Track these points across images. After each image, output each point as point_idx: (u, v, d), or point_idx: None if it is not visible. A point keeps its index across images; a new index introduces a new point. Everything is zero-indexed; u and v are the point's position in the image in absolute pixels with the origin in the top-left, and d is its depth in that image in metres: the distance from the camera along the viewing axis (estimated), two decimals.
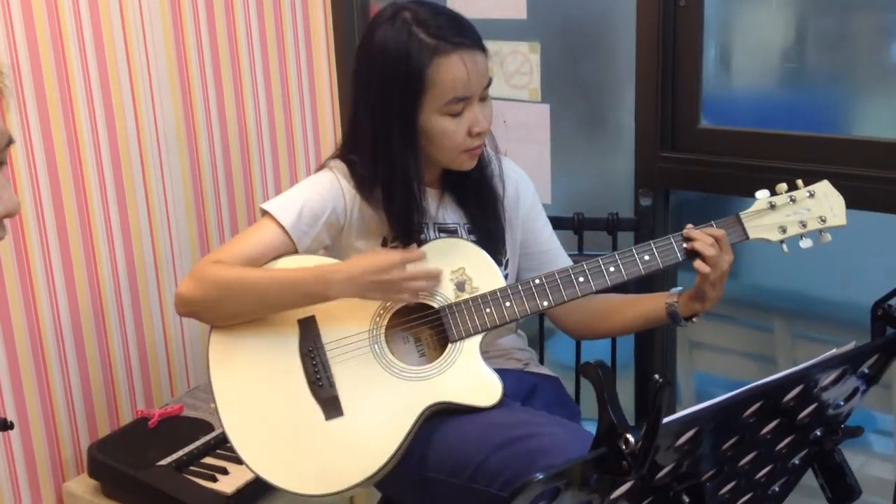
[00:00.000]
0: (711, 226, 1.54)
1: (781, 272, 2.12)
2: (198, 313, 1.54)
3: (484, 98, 1.54)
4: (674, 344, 2.21)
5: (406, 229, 1.57)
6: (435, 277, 1.52)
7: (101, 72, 1.99)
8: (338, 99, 2.48)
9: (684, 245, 1.52)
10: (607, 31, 2.15)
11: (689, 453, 0.95)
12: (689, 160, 2.00)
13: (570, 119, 2.24)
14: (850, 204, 1.53)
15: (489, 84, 1.54)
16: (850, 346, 1.01)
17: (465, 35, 1.50)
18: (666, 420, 0.86)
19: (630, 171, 2.07)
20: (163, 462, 1.84)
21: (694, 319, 1.59)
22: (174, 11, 2.12)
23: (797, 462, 1.11)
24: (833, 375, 1.00)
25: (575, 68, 2.20)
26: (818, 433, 1.08)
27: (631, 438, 0.84)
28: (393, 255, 1.48)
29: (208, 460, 1.88)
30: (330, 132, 2.50)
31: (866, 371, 1.05)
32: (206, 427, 1.95)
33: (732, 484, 1.06)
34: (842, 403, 1.07)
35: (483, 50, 1.52)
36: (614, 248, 1.93)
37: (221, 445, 1.90)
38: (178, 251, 2.18)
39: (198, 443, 1.90)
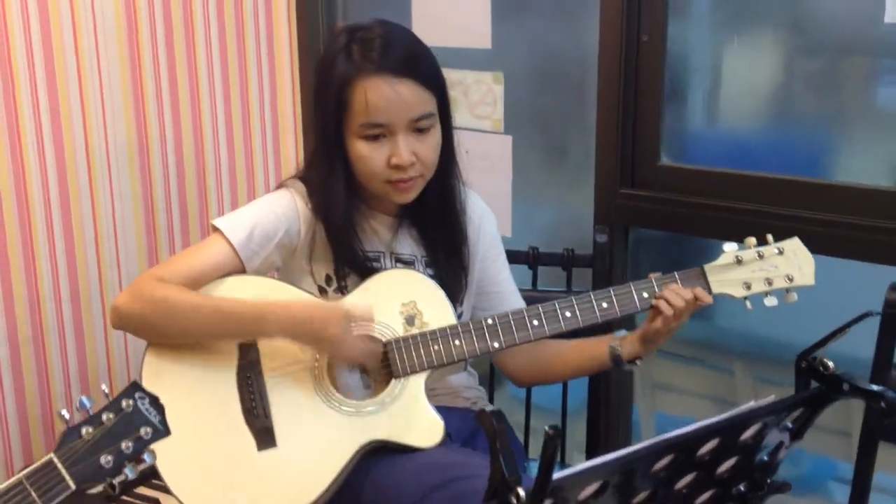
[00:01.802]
0: (675, 277, 1.49)
1: (743, 315, 2.08)
2: (132, 330, 1.50)
3: (420, 130, 1.48)
4: (630, 384, 2.17)
5: (349, 258, 1.53)
6: (375, 355, 1.47)
7: (49, 81, 1.97)
8: (300, 115, 2.46)
9: (652, 302, 1.47)
10: (572, 63, 2.13)
11: None
12: (648, 197, 1.96)
13: (533, 151, 2.21)
14: (815, 249, 1.51)
15: (424, 118, 1.47)
16: (771, 398, 0.96)
17: (397, 62, 1.45)
18: (563, 473, 0.82)
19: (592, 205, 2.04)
20: (94, 490, 1.78)
21: (637, 362, 1.55)
22: (129, 18, 2.09)
23: None
24: (753, 429, 0.96)
25: (539, 100, 2.18)
26: (742, 488, 1.04)
27: (522, 492, 0.80)
28: (338, 310, 1.43)
29: (142, 490, 1.83)
30: (291, 148, 2.47)
31: (790, 425, 1.00)
32: None
33: None
34: (766, 458, 1.03)
35: (418, 81, 1.46)
36: (568, 284, 1.89)
37: (157, 474, 1.84)
38: (125, 270, 2.14)
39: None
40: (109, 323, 1.51)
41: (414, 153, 1.48)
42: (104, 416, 1.09)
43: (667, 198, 1.95)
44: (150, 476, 1.86)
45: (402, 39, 1.50)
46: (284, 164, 2.46)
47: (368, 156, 1.47)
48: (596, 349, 1.58)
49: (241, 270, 1.51)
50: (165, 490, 1.80)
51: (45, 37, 1.95)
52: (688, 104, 2.07)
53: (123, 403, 1.11)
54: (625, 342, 1.54)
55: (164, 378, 1.47)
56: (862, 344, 1.56)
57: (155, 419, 1.11)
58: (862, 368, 1.57)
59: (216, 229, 1.51)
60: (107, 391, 1.13)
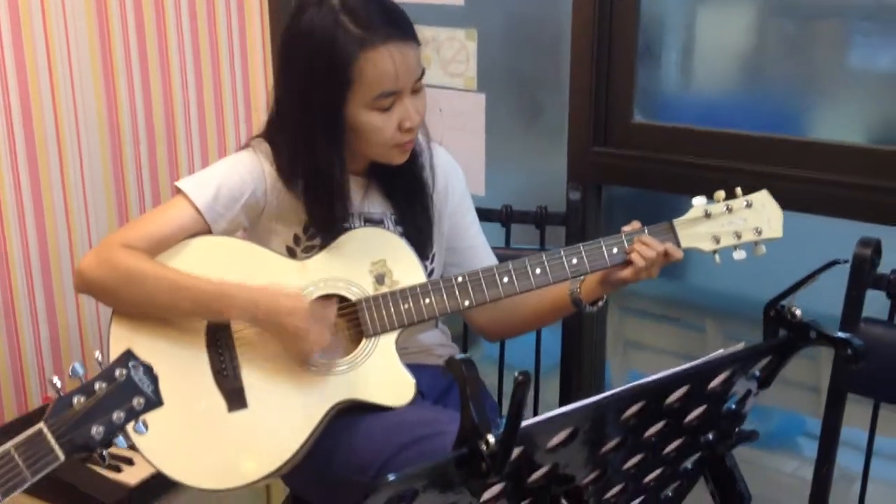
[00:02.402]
0: (644, 231, 1.49)
1: (715, 273, 2.09)
2: (95, 296, 1.49)
3: (416, 90, 1.47)
4: (603, 343, 2.19)
5: (326, 222, 1.52)
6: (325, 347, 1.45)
7: (14, 41, 1.93)
8: (272, 73, 2.42)
9: (627, 256, 1.47)
10: (546, 20, 2.11)
11: (566, 455, 0.91)
12: (621, 155, 1.96)
13: (507, 109, 2.20)
14: (786, 206, 1.51)
15: (422, 76, 1.47)
16: (739, 346, 0.97)
17: (395, 26, 1.43)
18: (533, 420, 0.82)
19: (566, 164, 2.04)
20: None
21: (599, 303, 1.55)
22: None
23: (689, 466, 1.07)
24: (721, 377, 0.96)
25: (512, 58, 2.17)
26: (710, 437, 1.05)
27: (492, 439, 0.80)
28: (302, 302, 1.42)
29: (114, 450, 1.81)
30: (263, 107, 2.43)
31: (757, 373, 1.01)
32: None
33: (619, 487, 1.02)
34: (734, 406, 1.04)
35: (415, 41, 1.46)
36: (542, 242, 1.90)
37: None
38: (94, 231, 2.12)
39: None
40: (74, 286, 1.50)
41: (416, 111, 1.47)
42: (97, 386, 1.06)
43: (640, 155, 1.95)
44: None
45: (380, 0, 1.47)
46: (255, 120, 2.43)
47: (382, 126, 1.45)
48: (557, 293, 1.58)
49: (207, 232, 1.49)
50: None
51: (10, 2, 1.91)
52: (661, 62, 2.06)
53: (117, 372, 1.08)
54: (584, 285, 1.55)
55: (133, 339, 1.46)
56: (832, 301, 1.58)
57: (148, 389, 1.08)
58: (827, 324, 1.59)
59: (180, 191, 1.49)
60: (100, 359, 1.10)
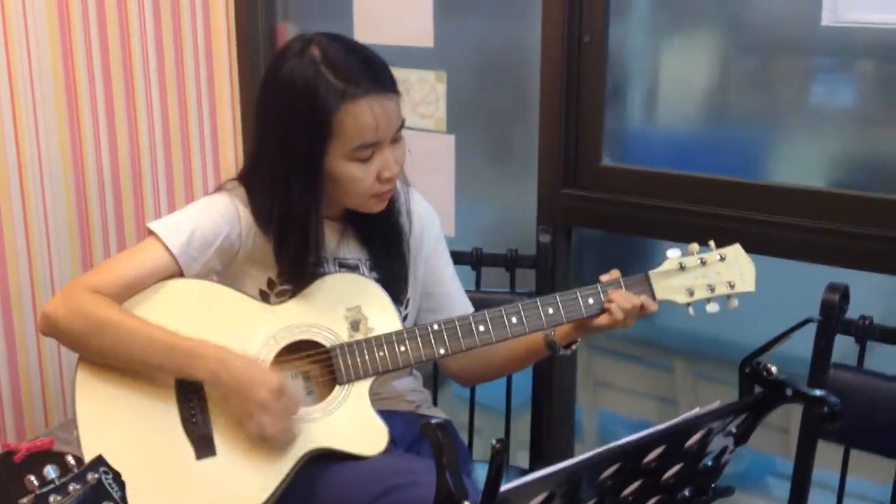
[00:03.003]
0: (620, 283, 1.49)
1: (684, 314, 2.11)
2: (61, 341, 1.46)
3: (396, 140, 1.47)
4: (573, 382, 2.19)
5: (298, 268, 1.50)
6: (287, 438, 1.43)
7: None
8: (240, 118, 2.43)
9: (604, 305, 1.47)
10: (515, 62, 2.13)
11: None
12: (590, 198, 1.98)
13: (476, 151, 2.21)
14: (752, 249, 1.52)
15: (402, 126, 1.47)
16: (715, 405, 0.97)
17: (376, 78, 1.43)
18: (510, 485, 0.81)
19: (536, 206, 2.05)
20: (24, 500, 1.72)
21: (574, 346, 1.55)
22: (62, 21, 2.03)
23: None
24: (698, 436, 0.96)
25: (482, 99, 2.18)
26: (686, 493, 1.05)
27: None
28: (274, 379, 1.39)
29: None
30: (231, 151, 2.42)
31: (733, 430, 1.01)
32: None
33: None
34: (710, 463, 1.04)
35: (395, 92, 1.46)
36: (512, 285, 1.89)
37: None
38: (57, 272, 2.09)
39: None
40: (39, 329, 1.47)
41: (395, 161, 1.47)
42: (70, 487, 1.11)
43: (608, 198, 1.96)
44: None
45: (361, 51, 1.47)
46: (223, 164, 2.42)
47: (361, 177, 1.44)
48: (531, 337, 1.57)
49: (179, 275, 1.47)
50: None
51: None
52: (629, 105, 2.08)
53: (89, 476, 1.12)
54: (559, 329, 1.54)
55: (100, 383, 1.43)
56: (797, 343, 1.59)
57: (116, 495, 1.13)
58: (797, 365, 1.60)
59: (152, 233, 1.47)
60: (73, 462, 1.15)
